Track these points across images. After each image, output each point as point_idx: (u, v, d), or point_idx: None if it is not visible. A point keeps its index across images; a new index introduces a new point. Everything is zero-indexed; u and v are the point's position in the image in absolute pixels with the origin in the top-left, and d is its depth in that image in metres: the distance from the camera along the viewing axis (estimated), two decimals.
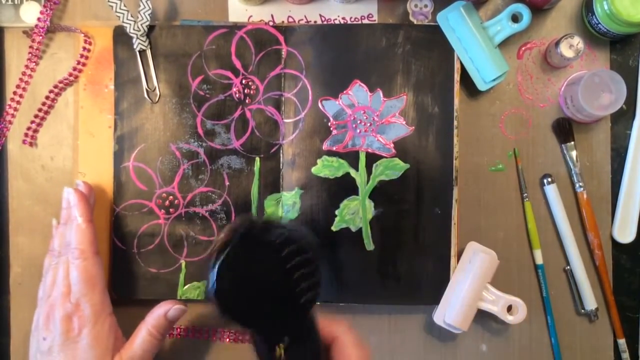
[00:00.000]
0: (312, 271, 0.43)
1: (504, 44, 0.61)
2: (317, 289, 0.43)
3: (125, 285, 0.60)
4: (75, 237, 0.55)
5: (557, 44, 0.60)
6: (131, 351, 0.54)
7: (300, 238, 0.43)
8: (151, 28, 0.60)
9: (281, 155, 0.61)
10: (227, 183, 0.61)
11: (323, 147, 0.60)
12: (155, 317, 0.55)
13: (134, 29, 0.59)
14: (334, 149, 0.60)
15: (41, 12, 0.61)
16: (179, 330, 0.62)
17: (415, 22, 0.61)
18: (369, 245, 0.60)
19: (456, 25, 0.59)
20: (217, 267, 0.41)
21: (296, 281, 0.43)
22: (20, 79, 0.62)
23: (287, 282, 0.43)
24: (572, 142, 0.62)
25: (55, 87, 0.62)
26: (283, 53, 0.60)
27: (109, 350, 0.53)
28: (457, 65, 0.60)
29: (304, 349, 0.44)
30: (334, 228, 0.60)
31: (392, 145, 0.60)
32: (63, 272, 0.54)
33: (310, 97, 0.60)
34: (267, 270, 0.43)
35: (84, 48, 0.61)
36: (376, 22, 0.63)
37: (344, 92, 0.60)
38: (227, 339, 0.62)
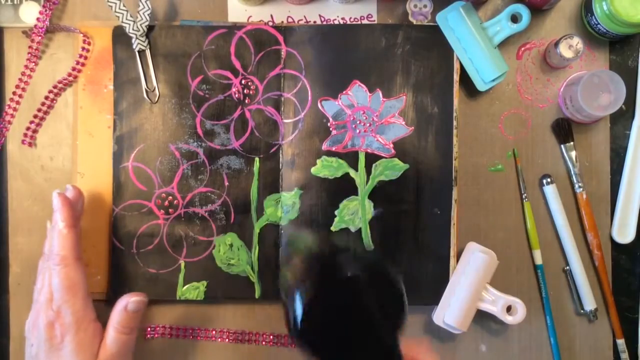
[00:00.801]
0: (395, 298, 0.42)
1: (503, 45, 0.61)
2: (402, 316, 0.42)
3: (124, 286, 0.60)
4: (57, 242, 0.54)
5: (556, 44, 0.60)
6: (105, 352, 0.53)
7: (380, 266, 0.43)
8: (150, 28, 0.60)
9: (281, 155, 0.61)
10: (226, 183, 0.61)
11: (322, 148, 0.60)
12: (117, 312, 0.54)
13: (133, 29, 0.59)
14: (334, 149, 0.60)
15: (40, 12, 0.61)
16: (178, 330, 0.62)
17: (414, 23, 0.61)
18: (369, 246, 0.60)
19: (455, 26, 0.59)
20: (301, 305, 0.40)
21: (379, 310, 0.42)
22: (20, 79, 0.62)
23: (369, 313, 0.42)
24: (572, 143, 0.62)
25: (55, 87, 0.62)
26: (282, 53, 0.60)
27: (93, 357, 0.53)
28: (456, 66, 0.60)
29: None
30: (333, 228, 0.60)
31: (391, 145, 0.60)
32: (48, 278, 0.54)
33: (309, 98, 0.60)
34: (349, 303, 0.42)
35: (83, 48, 0.61)
36: (375, 22, 0.63)
37: (344, 92, 0.60)
38: (227, 339, 0.62)
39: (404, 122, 0.60)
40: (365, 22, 0.63)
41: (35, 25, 0.61)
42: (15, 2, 0.62)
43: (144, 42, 0.60)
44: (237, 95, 0.61)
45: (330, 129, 0.60)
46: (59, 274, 0.53)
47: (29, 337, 0.54)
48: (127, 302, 0.54)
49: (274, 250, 0.60)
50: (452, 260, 0.60)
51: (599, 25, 0.60)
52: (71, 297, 0.53)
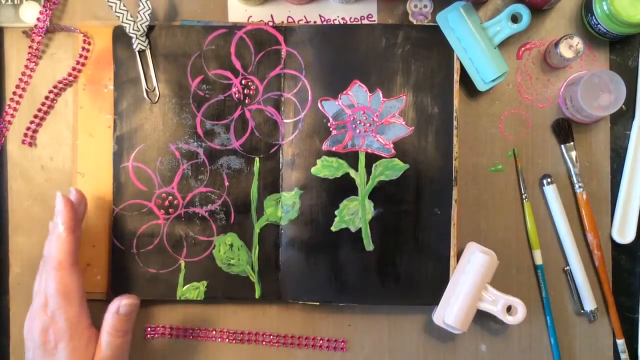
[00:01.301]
0: None
1: (503, 45, 0.61)
2: None
3: (124, 286, 0.60)
4: (55, 246, 0.53)
5: (556, 44, 0.60)
6: (100, 356, 0.53)
7: None
8: (151, 28, 0.60)
9: (281, 155, 0.61)
10: (226, 183, 0.61)
11: (323, 148, 0.60)
12: (109, 316, 0.54)
13: (133, 29, 0.59)
14: (334, 149, 0.60)
15: (41, 12, 0.61)
16: (178, 330, 0.62)
17: (414, 23, 0.61)
18: (369, 246, 0.60)
19: (456, 26, 0.59)
20: None
21: None
22: (20, 79, 0.62)
23: None
24: (572, 143, 0.62)
25: (55, 87, 0.62)
26: (283, 53, 0.60)
27: None
28: (456, 66, 0.60)
29: None
30: (333, 228, 0.60)
31: (391, 145, 0.60)
32: (44, 282, 0.53)
33: (309, 98, 0.60)
34: None
35: (84, 48, 0.61)
36: (376, 22, 0.63)
37: (344, 92, 0.60)
38: (227, 339, 0.62)
39: (404, 122, 0.60)
40: (365, 22, 0.63)
41: (36, 25, 0.61)
42: (15, 2, 0.62)
43: (144, 42, 0.60)
44: (237, 95, 0.61)
45: (331, 129, 0.60)
46: (54, 279, 0.52)
47: (25, 341, 0.53)
48: (119, 305, 0.54)
49: (274, 250, 0.60)
50: (452, 260, 0.60)
51: (599, 25, 0.60)
52: (66, 303, 0.52)
